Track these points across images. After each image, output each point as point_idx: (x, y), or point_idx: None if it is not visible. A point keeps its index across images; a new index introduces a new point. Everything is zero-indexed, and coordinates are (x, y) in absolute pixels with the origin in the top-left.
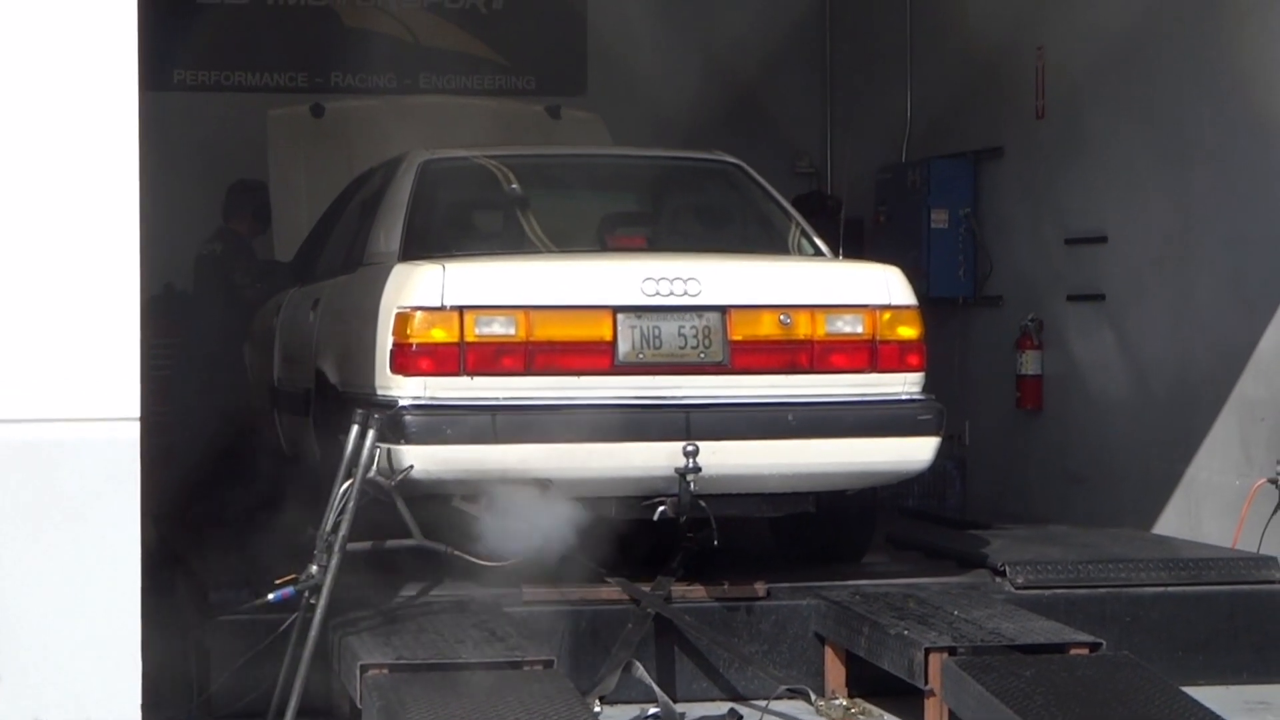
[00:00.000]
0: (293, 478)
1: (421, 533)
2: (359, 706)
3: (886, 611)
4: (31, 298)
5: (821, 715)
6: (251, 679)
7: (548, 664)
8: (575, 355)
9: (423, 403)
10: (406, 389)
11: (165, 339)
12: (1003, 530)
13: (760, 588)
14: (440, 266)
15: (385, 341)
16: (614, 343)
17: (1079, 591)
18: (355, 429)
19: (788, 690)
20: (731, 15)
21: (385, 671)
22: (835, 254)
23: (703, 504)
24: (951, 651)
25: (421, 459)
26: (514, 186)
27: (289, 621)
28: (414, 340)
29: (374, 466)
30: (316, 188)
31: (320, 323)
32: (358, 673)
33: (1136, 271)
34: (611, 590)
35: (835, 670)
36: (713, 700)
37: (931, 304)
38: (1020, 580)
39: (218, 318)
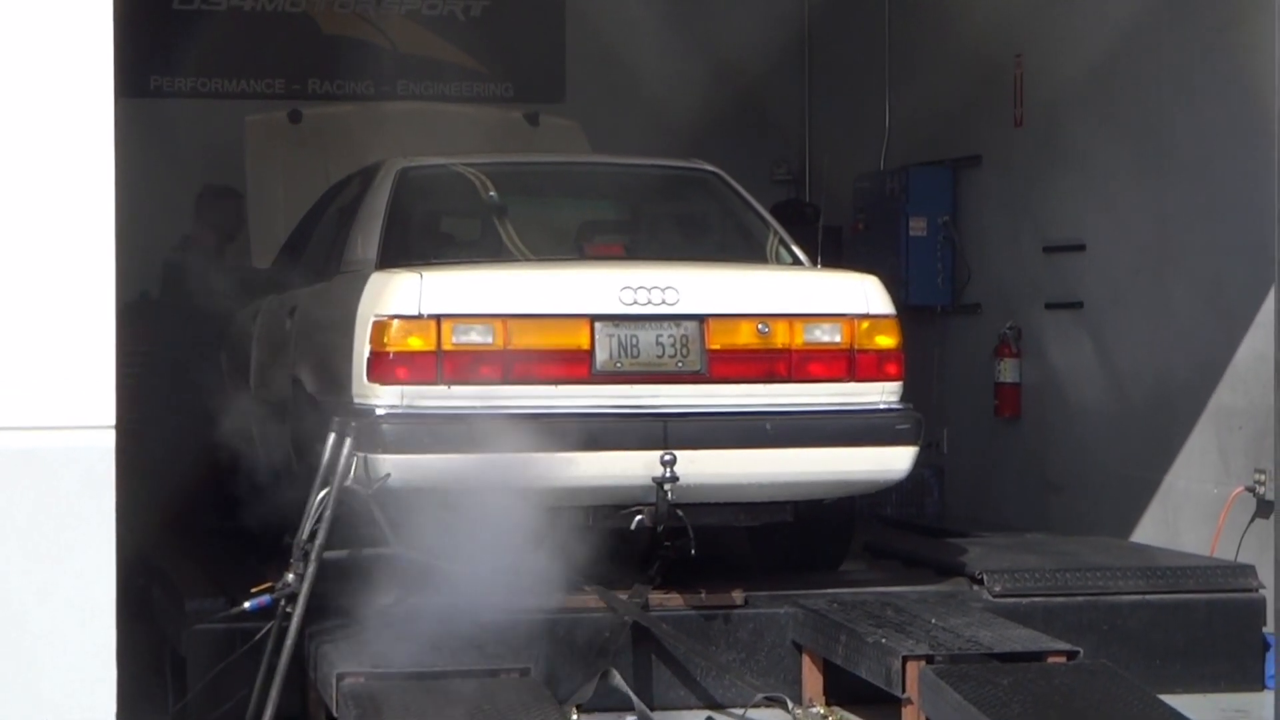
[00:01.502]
0: (269, 486)
1: (398, 541)
2: (335, 715)
3: (864, 619)
4: (4, 305)
5: None
6: (227, 688)
7: (524, 672)
8: (553, 364)
9: (400, 411)
10: (383, 398)
11: (141, 347)
12: (980, 538)
13: (738, 596)
14: (418, 275)
15: (362, 350)
16: (591, 352)
17: (1057, 600)
18: (332, 437)
19: (765, 698)
20: (710, 24)
21: (362, 680)
22: (814, 263)
23: (680, 513)
24: (929, 660)
25: (398, 468)
26: (492, 194)
27: (265, 630)
28: (391, 349)
29: (351, 475)
30: (294, 194)
31: (297, 331)
32: (334, 681)
33: (1115, 280)
34: (589, 598)
35: (813, 678)
36: (690, 708)
37: (910, 312)
38: (998, 588)
39: (183, 325)
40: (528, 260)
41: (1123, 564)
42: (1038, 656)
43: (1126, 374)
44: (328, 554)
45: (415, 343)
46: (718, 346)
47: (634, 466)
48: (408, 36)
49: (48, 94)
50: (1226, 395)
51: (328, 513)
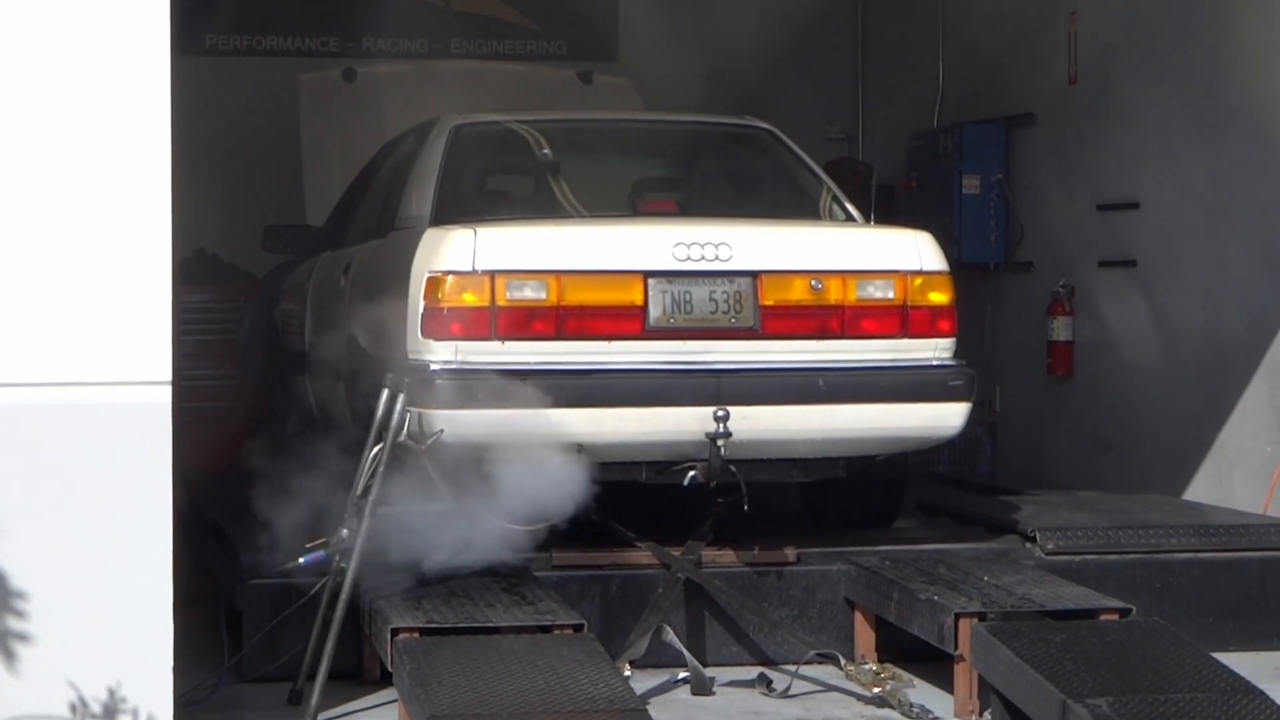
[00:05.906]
0: (323, 441)
1: (452, 497)
2: (389, 669)
3: (916, 577)
4: (63, 261)
5: (851, 680)
6: (282, 642)
7: (578, 628)
8: (606, 320)
9: (453, 367)
10: (437, 353)
11: (195, 301)
12: (1033, 496)
13: (790, 553)
14: (471, 231)
15: (416, 306)
16: (645, 307)
17: (1109, 557)
18: (386, 393)
19: (817, 655)
20: None
21: (416, 635)
22: (867, 219)
23: (733, 469)
24: (981, 617)
25: (452, 423)
26: (545, 151)
27: (319, 585)
28: (445, 304)
29: (404, 430)
30: (348, 152)
31: (352, 287)
32: (388, 636)
33: (1168, 238)
34: (642, 555)
35: (865, 635)
36: (742, 665)
37: (963, 270)
38: (1050, 546)
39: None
40: (581, 217)
41: (1175, 522)
42: (1090, 614)
43: (1180, 332)
44: (381, 509)
45: (469, 298)
46: (771, 303)
47: (687, 422)
48: None
49: (106, 52)
50: None
51: (381, 468)
